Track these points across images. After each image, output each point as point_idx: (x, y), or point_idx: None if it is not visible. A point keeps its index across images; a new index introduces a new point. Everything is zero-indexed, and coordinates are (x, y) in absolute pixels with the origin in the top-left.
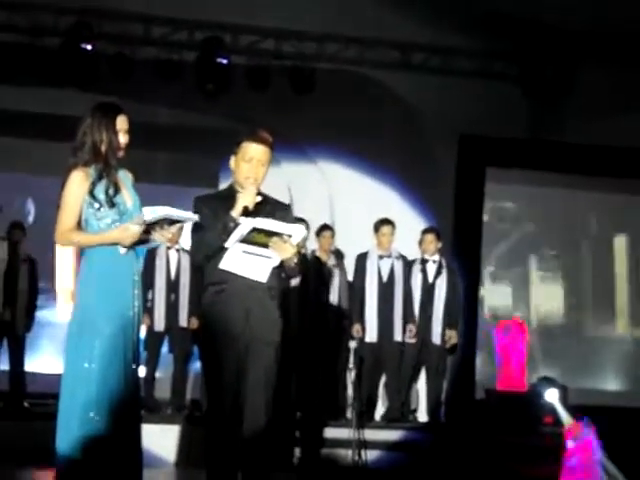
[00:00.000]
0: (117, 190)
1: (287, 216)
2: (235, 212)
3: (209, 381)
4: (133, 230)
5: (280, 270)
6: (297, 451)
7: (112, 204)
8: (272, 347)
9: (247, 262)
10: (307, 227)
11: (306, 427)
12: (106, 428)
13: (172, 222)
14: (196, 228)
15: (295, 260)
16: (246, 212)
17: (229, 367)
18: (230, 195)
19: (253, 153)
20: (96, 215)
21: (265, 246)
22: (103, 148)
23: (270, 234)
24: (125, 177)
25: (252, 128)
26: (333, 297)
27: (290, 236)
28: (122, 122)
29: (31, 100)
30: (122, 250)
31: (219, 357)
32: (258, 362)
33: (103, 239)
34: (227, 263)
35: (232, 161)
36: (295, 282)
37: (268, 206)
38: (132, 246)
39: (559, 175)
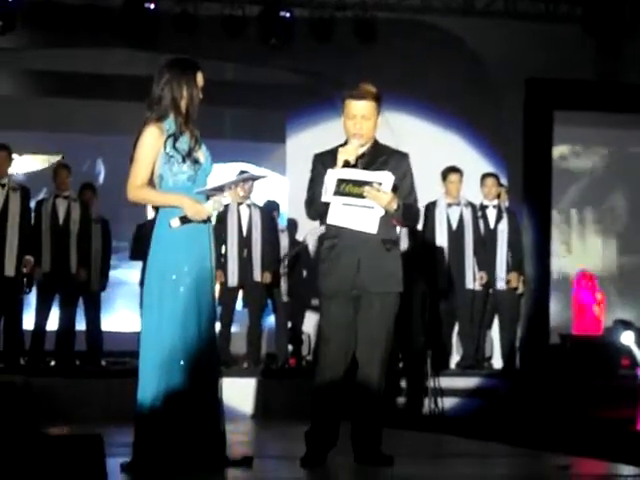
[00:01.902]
0: (198, 145)
1: (401, 164)
2: (337, 167)
3: (321, 333)
4: (205, 210)
5: (390, 220)
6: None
7: (193, 159)
8: (388, 299)
9: (351, 214)
10: None
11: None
12: (188, 380)
13: (245, 180)
14: (311, 185)
15: (394, 206)
16: (347, 166)
17: (340, 321)
18: None
19: (355, 110)
20: (172, 170)
21: (361, 196)
22: (183, 103)
23: (360, 184)
24: (198, 133)
25: (355, 83)
26: (402, 246)
27: (380, 183)
28: (201, 78)
29: (96, 61)
30: (174, 223)
31: (330, 311)
32: (371, 314)
33: (175, 200)
34: (332, 217)
35: (343, 119)
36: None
37: (383, 156)
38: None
39: (629, 115)
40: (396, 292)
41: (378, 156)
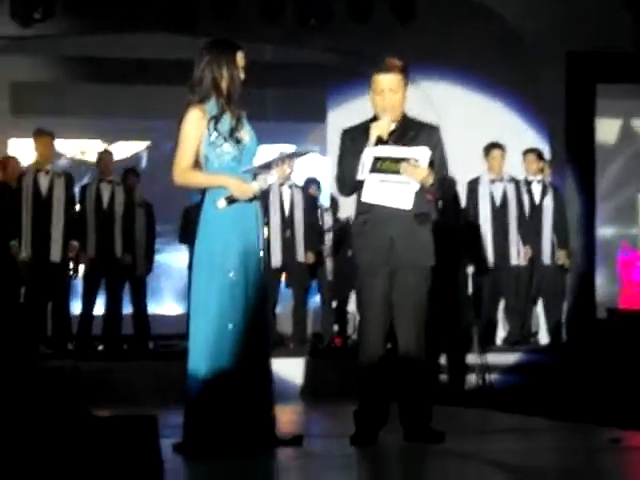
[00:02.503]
0: (240, 124)
1: (432, 137)
2: (370, 143)
3: (360, 311)
4: (251, 189)
5: (423, 194)
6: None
7: (235, 139)
8: (422, 273)
9: (387, 191)
10: None
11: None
12: (238, 360)
13: (292, 157)
14: (340, 162)
15: (431, 181)
16: (380, 142)
17: (377, 297)
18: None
19: (383, 84)
20: (216, 152)
21: (397, 173)
22: (224, 84)
23: (397, 160)
24: (241, 113)
25: (383, 58)
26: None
27: (417, 160)
28: (241, 58)
29: (136, 46)
30: (220, 203)
31: (366, 287)
32: (406, 289)
33: (221, 181)
34: (368, 195)
35: (371, 95)
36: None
37: (412, 130)
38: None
39: None
40: (429, 266)
41: (408, 130)
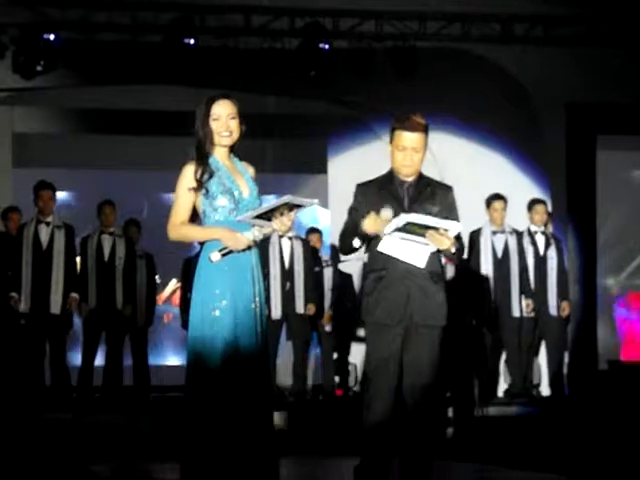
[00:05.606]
0: (240, 177)
1: (447, 197)
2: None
3: (369, 367)
4: (245, 239)
5: (439, 255)
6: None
7: (231, 193)
8: (435, 331)
9: (405, 247)
10: None
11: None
12: (235, 412)
13: (292, 208)
14: (349, 219)
15: (453, 250)
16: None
17: (389, 353)
18: (388, 182)
19: (406, 142)
20: (212, 205)
21: (422, 236)
22: (202, 140)
23: (426, 227)
24: (243, 168)
25: (404, 114)
26: (448, 275)
27: (447, 230)
28: (219, 108)
29: (137, 98)
30: (214, 257)
31: (379, 343)
32: (420, 347)
33: (213, 234)
34: (385, 246)
35: (389, 148)
36: None
37: (429, 188)
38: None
39: None
40: (442, 326)
41: (423, 189)
